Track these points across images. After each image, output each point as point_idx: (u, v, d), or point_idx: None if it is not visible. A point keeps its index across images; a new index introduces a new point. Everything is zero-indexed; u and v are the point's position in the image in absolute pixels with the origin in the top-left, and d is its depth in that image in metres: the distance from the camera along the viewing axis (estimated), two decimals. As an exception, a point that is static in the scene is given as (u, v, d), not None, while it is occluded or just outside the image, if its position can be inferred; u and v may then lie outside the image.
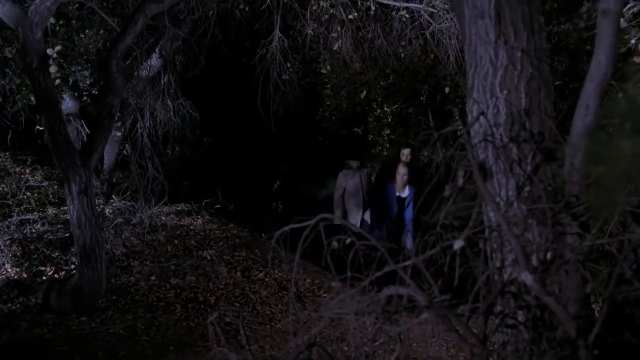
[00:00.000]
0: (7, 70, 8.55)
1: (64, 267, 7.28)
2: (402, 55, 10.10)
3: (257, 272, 7.93)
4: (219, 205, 10.71)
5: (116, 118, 6.82)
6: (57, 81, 8.33)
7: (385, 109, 11.80)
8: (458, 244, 2.80)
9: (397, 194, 8.81)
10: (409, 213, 8.74)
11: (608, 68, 3.13)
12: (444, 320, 2.85)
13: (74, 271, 7.13)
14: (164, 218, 9.60)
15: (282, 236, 3.35)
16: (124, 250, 7.95)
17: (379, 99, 11.47)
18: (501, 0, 3.32)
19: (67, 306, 6.22)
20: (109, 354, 5.54)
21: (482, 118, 3.34)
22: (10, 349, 5.43)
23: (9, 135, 9.96)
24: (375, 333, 3.10)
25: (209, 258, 8.09)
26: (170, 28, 9.03)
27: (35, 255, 7.26)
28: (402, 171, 8.67)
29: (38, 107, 6.25)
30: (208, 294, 7.03)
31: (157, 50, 9.76)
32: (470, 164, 3.19)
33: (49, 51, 7.53)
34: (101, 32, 9.38)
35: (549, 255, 2.98)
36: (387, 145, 11.94)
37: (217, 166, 12.06)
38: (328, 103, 11.47)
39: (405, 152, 9.13)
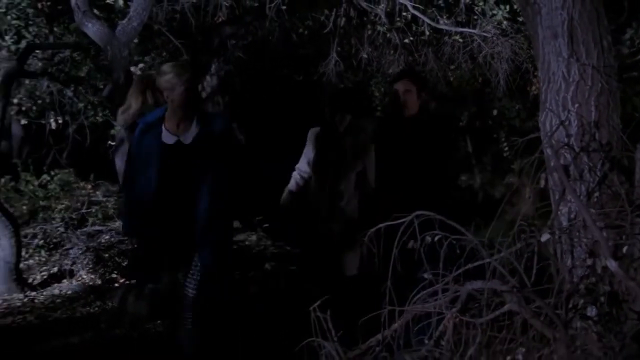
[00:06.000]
0: (81, 88, 9.03)
1: (135, 275, 7.64)
2: (451, 79, 10.39)
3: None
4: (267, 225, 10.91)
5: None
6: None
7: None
8: (545, 237, 3.10)
9: None
10: None
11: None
12: (526, 309, 3.10)
13: (145, 279, 7.49)
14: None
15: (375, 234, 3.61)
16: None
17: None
18: (574, 22, 3.58)
19: (142, 310, 6.54)
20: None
21: (554, 128, 3.60)
22: (94, 347, 5.78)
23: (66, 152, 10.45)
24: (456, 325, 3.33)
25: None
26: (230, 50, 9.45)
27: (109, 263, 7.66)
28: None
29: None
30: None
31: (213, 70, 10.16)
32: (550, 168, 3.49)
33: (132, 69, 7.96)
34: (163, 53, 9.79)
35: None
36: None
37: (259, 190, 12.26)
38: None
39: None
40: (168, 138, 4.76)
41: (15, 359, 5.61)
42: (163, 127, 4.76)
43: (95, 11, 6.95)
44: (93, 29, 6.41)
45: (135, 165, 4.85)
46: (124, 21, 6.54)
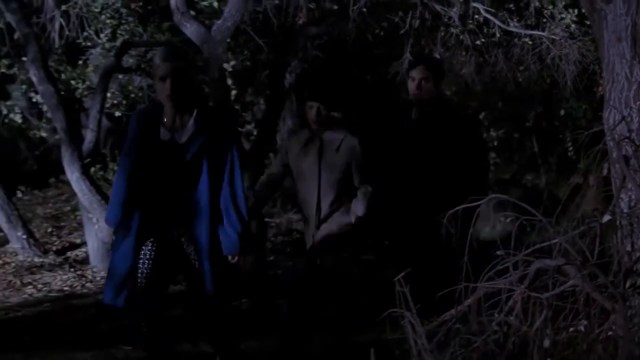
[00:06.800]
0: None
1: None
2: (520, 80, 10.63)
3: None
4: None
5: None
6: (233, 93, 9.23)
7: (491, 132, 12.32)
8: (606, 218, 3.48)
9: None
10: None
11: None
12: (588, 283, 3.44)
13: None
14: (294, 224, 10.43)
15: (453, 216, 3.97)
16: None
17: (485, 123, 11.99)
18: (637, 27, 3.91)
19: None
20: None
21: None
22: (186, 322, 6.27)
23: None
24: (523, 301, 3.65)
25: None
26: (309, 49, 9.88)
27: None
28: None
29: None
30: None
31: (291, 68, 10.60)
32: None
33: (225, 65, 8.48)
34: (245, 52, 10.26)
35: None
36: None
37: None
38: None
39: None
40: (162, 134, 4.39)
41: (116, 330, 6.14)
42: (160, 122, 4.39)
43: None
44: (191, 28, 7.02)
45: (129, 157, 4.48)
46: (219, 21, 7.13)
